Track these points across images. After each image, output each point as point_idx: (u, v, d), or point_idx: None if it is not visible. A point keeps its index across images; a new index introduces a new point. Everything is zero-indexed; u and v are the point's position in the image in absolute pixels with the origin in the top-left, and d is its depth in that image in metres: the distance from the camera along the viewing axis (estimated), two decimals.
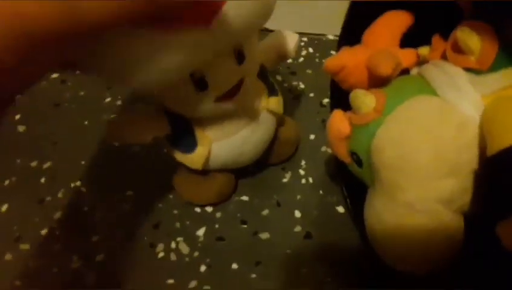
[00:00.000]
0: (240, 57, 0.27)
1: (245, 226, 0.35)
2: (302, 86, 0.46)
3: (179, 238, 0.35)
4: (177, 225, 0.36)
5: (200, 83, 0.26)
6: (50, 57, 0.15)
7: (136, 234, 0.36)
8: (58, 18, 0.14)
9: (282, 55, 0.34)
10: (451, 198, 0.22)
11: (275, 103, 0.33)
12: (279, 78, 0.48)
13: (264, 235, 0.34)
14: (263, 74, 0.33)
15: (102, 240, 0.35)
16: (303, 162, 0.39)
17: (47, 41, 0.14)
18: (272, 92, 0.33)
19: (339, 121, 0.27)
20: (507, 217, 0.19)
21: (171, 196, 0.38)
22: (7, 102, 0.16)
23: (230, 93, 0.28)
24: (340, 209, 0.36)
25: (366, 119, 0.25)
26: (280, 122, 0.36)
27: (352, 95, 0.27)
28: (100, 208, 0.37)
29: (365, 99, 0.25)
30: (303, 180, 0.38)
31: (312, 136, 0.41)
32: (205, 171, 0.34)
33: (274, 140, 0.36)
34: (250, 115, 0.32)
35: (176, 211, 0.37)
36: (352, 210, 0.32)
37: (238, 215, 0.36)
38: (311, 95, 0.45)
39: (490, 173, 0.21)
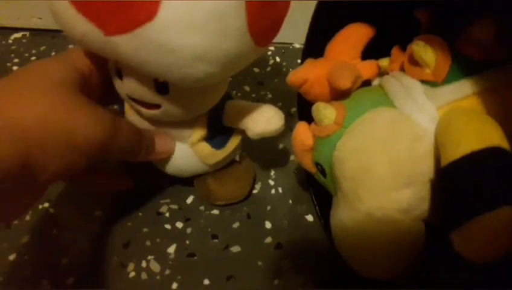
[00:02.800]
0: (160, 87, 0.26)
1: (216, 240, 0.35)
2: (269, 95, 0.46)
3: (149, 257, 0.34)
4: (148, 243, 0.35)
5: (118, 72, 0.26)
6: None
7: (107, 254, 0.35)
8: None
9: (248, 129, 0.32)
10: (409, 207, 0.23)
11: (205, 150, 0.32)
12: (247, 88, 0.47)
13: (235, 249, 0.34)
14: (217, 121, 0.32)
15: (72, 263, 0.34)
16: (272, 172, 0.39)
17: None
18: (216, 144, 0.32)
19: (302, 133, 0.28)
20: (459, 225, 0.20)
21: (140, 214, 0.37)
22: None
23: (147, 106, 0.27)
24: (309, 217, 0.36)
25: (327, 132, 0.26)
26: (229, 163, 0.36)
27: (313, 108, 0.27)
28: (69, 229, 0.36)
29: (326, 112, 0.26)
30: (273, 191, 0.38)
31: (281, 146, 0.41)
32: None
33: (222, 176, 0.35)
34: (173, 138, 0.32)
35: (145, 229, 0.36)
36: (321, 218, 0.32)
37: (209, 229, 0.35)
38: (279, 104, 0.45)
39: (443, 183, 0.22)
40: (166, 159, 0.33)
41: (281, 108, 0.43)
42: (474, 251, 0.19)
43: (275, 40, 0.25)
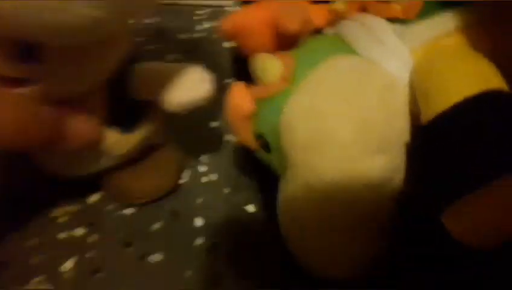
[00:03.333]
0: (24, 53, 0.20)
1: (130, 249, 0.28)
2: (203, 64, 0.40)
3: (38, 278, 0.27)
4: (35, 259, 0.27)
5: None
6: None
7: None
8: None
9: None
10: (381, 181, 0.20)
11: (110, 137, 0.26)
12: (170, 58, 0.42)
13: (156, 257, 0.28)
14: (121, 95, 0.26)
15: None
16: (203, 157, 0.34)
17: None
18: (125, 126, 0.27)
19: (239, 96, 0.24)
20: (450, 202, 0.16)
21: (23, 221, 0.29)
22: None
23: (10, 82, 0.21)
24: (251, 208, 0.31)
25: (271, 91, 0.22)
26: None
27: (254, 61, 0.23)
28: None
29: (269, 65, 0.23)
30: (204, 179, 0.33)
31: (214, 124, 0.37)
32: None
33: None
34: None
35: (30, 242, 0.28)
36: (264, 207, 0.29)
37: (120, 235, 0.29)
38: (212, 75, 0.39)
39: (426, 146, 0.18)
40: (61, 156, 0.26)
41: (213, 80, 0.39)
42: (476, 233, 0.16)
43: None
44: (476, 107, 0.16)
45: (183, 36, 0.44)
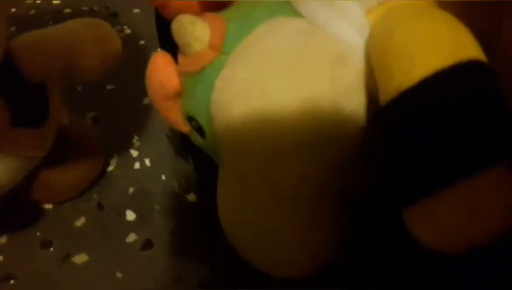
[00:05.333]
0: None
1: (50, 249, 0.26)
2: (127, 30, 0.38)
3: None
4: None
5: None
6: None
7: None
8: None
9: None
10: (333, 172, 0.17)
11: (19, 138, 0.22)
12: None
13: (81, 258, 0.25)
14: (12, 80, 0.22)
15: None
16: (135, 139, 0.31)
17: None
18: (29, 119, 0.23)
19: (162, 70, 0.20)
20: (413, 199, 0.14)
21: None
22: None
23: None
24: (191, 197, 0.28)
25: (199, 63, 0.19)
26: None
27: (174, 24, 0.19)
28: None
29: (194, 30, 0.19)
30: (136, 165, 0.30)
31: (147, 101, 0.33)
32: None
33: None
34: None
35: None
36: (207, 196, 0.25)
37: (37, 234, 0.26)
38: (142, 42, 0.37)
39: (384, 132, 0.15)
40: None
41: (144, 48, 0.36)
42: (443, 236, 0.13)
43: None
44: (449, 83, 0.13)
45: None
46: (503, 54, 0.17)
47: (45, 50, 0.23)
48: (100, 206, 0.27)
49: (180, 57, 0.20)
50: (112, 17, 0.38)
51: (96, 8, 0.38)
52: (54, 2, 0.38)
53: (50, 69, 0.23)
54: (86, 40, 0.23)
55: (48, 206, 0.27)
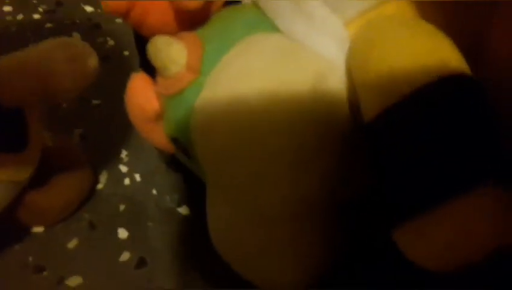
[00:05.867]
0: None
1: (43, 274, 0.25)
2: (111, 42, 0.37)
3: None
4: None
5: None
6: None
7: None
8: None
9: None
10: (320, 190, 0.17)
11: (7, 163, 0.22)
12: (76, 34, 0.37)
13: (75, 281, 0.25)
14: None
15: None
16: (124, 154, 0.30)
17: None
18: (10, 144, 0.22)
19: (140, 93, 0.20)
20: (402, 219, 0.13)
21: None
22: None
23: None
24: (184, 210, 0.28)
25: (177, 85, 0.18)
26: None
27: (150, 47, 0.18)
28: None
29: (170, 52, 0.18)
30: (126, 181, 0.29)
31: None
32: None
33: None
34: None
35: None
36: (199, 208, 0.23)
37: (29, 259, 0.25)
38: (126, 53, 0.36)
39: (370, 150, 0.15)
40: None
41: (128, 59, 0.35)
42: (433, 255, 0.13)
43: None
44: (433, 100, 0.13)
45: (89, 8, 0.38)
46: (491, 57, 0.17)
47: (19, 73, 0.22)
48: (92, 225, 0.27)
49: (158, 79, 0.19)
50: (95, 28, 0.37)
51: (78, 21, 0.37)
52: (35, 16, 0.37)
53: (25, 92, 0.22)
54: (59, 59, 0.23)
55: (39, 229, 0.26)
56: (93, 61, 0.23)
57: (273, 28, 0.18)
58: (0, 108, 0.21)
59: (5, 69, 0.21)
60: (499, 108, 0.14)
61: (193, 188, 0.27)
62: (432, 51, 0.13)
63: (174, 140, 0.19)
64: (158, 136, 0.20)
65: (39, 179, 0.25)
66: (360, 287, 0.20)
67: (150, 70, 0.20)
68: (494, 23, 0.17)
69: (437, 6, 0.17)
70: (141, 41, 0.23)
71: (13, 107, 0.22)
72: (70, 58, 0.22)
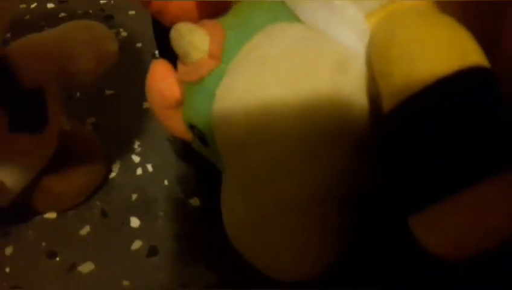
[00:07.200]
0: None
1: (56, 259, 0.25)
2: (124, 33, 0.37)
3: None
4: None
5: None
6: None
7: None
8: None
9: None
10: (336, 179, 0.17)
11: (17, 145, 0.23)
12: None
13: (87, 267, 0.25)
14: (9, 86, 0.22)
15: None
16: (136, 145, 0.30)
17: None
18: (30, 125, 0.23)
19: (161, 79, 0.20)
20: (419, 207, 0.13)
21: None
22: None
23: None
24: (195, 201, 0.28)
25: (199, 72, 0.18)
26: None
27: (172, 33, 0.19)
28: None
29: (193, 39, 0.18)
30: (139, 170, 0.29)
31: (147, 105, 0.32)
32: None
33: None
34: None
35: None
36: (211, 199, 0.24)
37: (43, 245, 0.26)
38: (139, 45, 0.36)
39: (388, 141, 0.15)
40: None
41: (141, 50, 0.35)
42: (449, 242, 0.13)
43: None
44: (452, 91, 0.13)
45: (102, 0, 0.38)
46: (505, 52, 0.17)
47: (40, 55, 0.23)
48: (104, 213, 0.27)
49: (180, 66, 0.19)
50: (108, 19, 0.37)
51: (91, 11, 0.37)
52: (49, 6, 0.37)
53: (46, 73, 0.23)
54: (80, 42, 0.23)
55: (52, 215, 0.26)
56: (113, 44, 0.24)
57: (295, 17, 0.18)
58: (20, 88, 0.21)
59: (25, 50, 0.22)
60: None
61: (204, 179, 0.27)
62: (453, 42, 0.13)
63: (193, 127, 0.20)
64: (176, 123, 0.20)
65: (54, 164, 0.25)
66: (362, 286, 0.20)
67: (169, 59, 0.20)
68: (507, 20, 0.17)
69: (453, 3, 0.17)
70: (159, 30, 0.23)
71: (33, 88, 0.22)
72: (90, 41, 0.23)
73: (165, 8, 0.20)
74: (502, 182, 0.12)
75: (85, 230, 0.26)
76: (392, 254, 0.19)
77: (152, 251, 0.25)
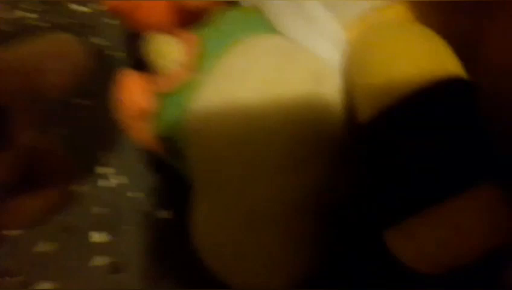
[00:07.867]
0: None
1: (11, 279, 0.24)
2: (104, 43, 0.37)
3: None
4: None
5: None
6: None
7: None
8: None
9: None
10: (312, 192, 0.17)
11: None
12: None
13: (44, 286, 0.24)
14: None
15: None
16: (103, 156, 0.30)
17: None
18: None
19: (132, 89, 0.21)
20: (395, 220, 0.13)
21: None
22: None
23: None
24: (163, 214, 0.27)
25: (172, 83, 0.19)
26: None
27: (146, 42, 0.19)
28: None
29: (167, 49, 0.19)
30: (104, 183, 0.28)
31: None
32: None
33: None
34: None
35: None
36: (177, 213, 0.26)
37: None
38: (117, 54, 0.36)
39: (364, 152, 0.15)
40: None
41: (117, 60, 0.35)
42: (424, 256, 0.13)
43: None
44: (429, 102, 0.13)
45: (78, 7, 0.38)
46: (484, 58, 0.17)
47: (2, 70, 0.22)
48: (64, 228, 0.26)
49: (153, 77, 0.19)
50: (86, 29, 0.36)
51: (70, 21, 0.37)
52: (29, 15, 0.37)
53: (10, 90, 0.22)
54: (47, 56, 0.23)
55: (9, 232, 0.25)
56: (83, 57, 0.23)
57: (273, 29, 0.19)
58: None
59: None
60: (495, 110, 0.14)
61: (172, 192, 0.26)
62: (430, 55, 0.14)
63: (164, 139, 0.20)
64: (145, 135, 0.20)
65: (20, 181, 0.24)
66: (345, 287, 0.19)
67: (142, 70, 0.21)
68: (490, 26, 0.17)
69: (435, 11, 0.17)
70: (134, 40, 0.23)
71: None
72: (58, 54, 0.22)
73: (143, 21, 0.21)
74: (480, 195, 0.12)
75: (42, 247, 0.25)
76: (368, 266, 0.19)
77: (115, 267, 0.24)
